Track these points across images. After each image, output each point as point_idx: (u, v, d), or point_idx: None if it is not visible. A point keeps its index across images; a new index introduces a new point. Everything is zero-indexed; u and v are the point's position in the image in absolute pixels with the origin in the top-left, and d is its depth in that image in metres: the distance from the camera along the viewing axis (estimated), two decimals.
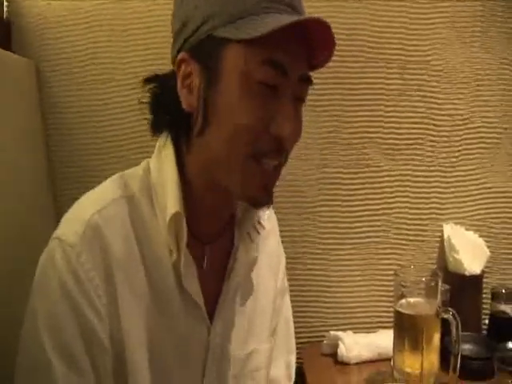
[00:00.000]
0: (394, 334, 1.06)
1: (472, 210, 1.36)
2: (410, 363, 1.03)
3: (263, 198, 0.72)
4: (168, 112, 0.74)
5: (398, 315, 1.05)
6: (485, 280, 1.29)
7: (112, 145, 1.28)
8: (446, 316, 1.01)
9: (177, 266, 0.72)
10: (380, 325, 1.28)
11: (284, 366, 1.01)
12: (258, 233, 0.84)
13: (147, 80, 0.76)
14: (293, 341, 1.04)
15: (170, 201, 0.70)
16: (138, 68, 1.26)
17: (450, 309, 1.02)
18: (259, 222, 0.84)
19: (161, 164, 0.75)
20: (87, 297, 0.66)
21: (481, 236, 1.33)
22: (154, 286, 0.73)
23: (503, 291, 1.21)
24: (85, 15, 1.26)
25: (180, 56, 0.70)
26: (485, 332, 1.27)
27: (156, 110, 0.76)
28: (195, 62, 0.69)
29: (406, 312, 1.03)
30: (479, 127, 1.35)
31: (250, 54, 0.65)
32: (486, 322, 1.27)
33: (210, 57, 0.67)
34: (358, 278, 1.31)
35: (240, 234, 0.83)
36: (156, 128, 0.77)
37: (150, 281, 0.72)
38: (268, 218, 0.92)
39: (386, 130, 1.31)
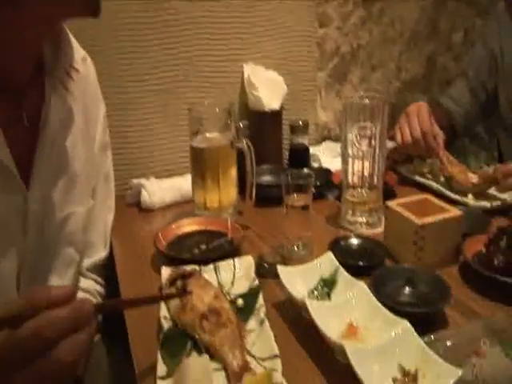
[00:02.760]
0: (192, 171, 1.04)
1: (272, 50, 1.34)
2: (209, 198, 1.03)
3: None
4: None
5: (194, 151, 1.02)
6: (284, 116, 1.32)
7: None
8: (239, 145, 1.01)
9: None
10: (185, 170, 1.24)
11: (102, 227, 0.94)
12: (73, 79, 0.77)
13: None
14: (112, 199, 0.98)
15: None
16: None
17: (243, 138, 1.01)
18: (72, 66, 0.76)
19: None
20: None
21: (280, 74, 1.32)
22: None
23: (300, 124, 1.24)
24: None
25: None
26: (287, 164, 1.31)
27: None
28: None
29: (201, 146, 1.01)
30: None
31: None
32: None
33: None
34: (160, 125, 1.24)
35: (51, 82, 0.74)
36: None
37: None
38: (83, 60, 0.84)
39: None
